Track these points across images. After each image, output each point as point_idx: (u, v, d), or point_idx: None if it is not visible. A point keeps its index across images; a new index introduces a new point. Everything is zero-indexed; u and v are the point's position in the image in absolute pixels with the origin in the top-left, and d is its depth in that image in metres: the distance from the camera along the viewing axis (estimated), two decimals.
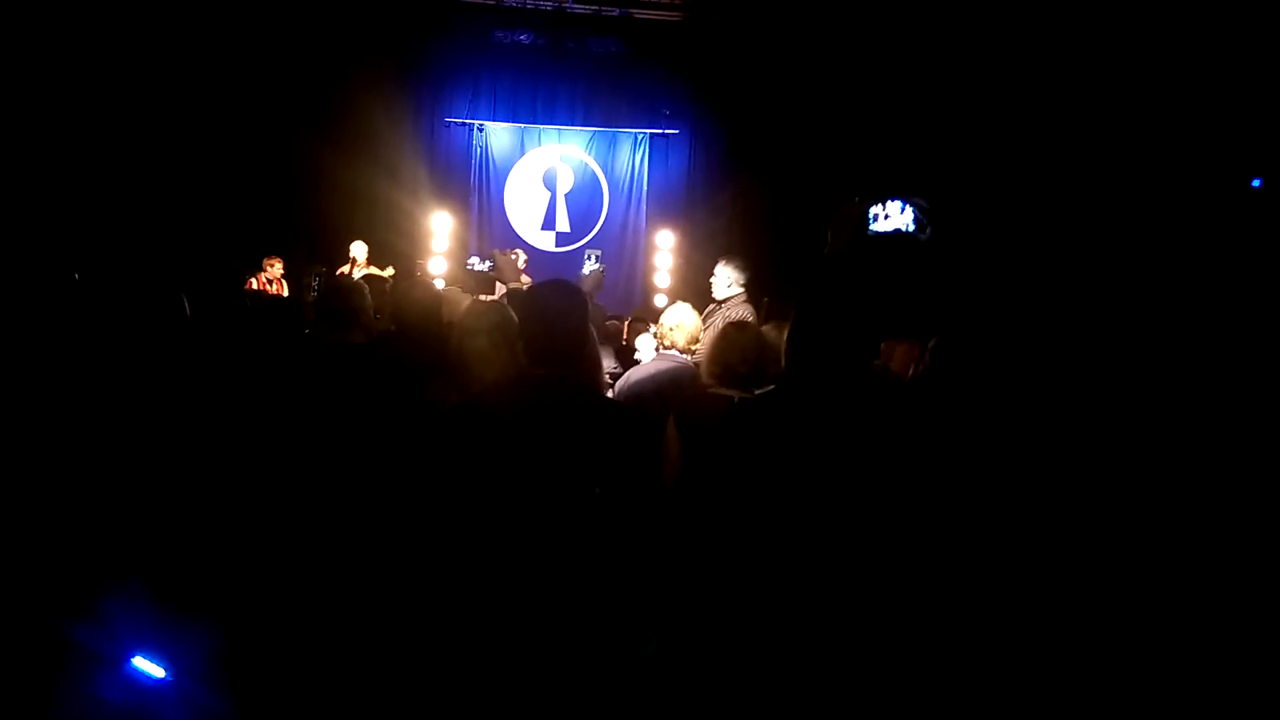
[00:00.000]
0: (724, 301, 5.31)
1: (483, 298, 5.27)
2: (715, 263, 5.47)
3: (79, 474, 1.86)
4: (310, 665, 2.00)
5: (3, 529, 1.85)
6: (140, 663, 1.86)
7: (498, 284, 5.98)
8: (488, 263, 5.27)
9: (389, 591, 2.08)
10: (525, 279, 8.09)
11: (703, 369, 3.54)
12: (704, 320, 4.70)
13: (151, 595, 1.80)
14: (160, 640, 1.85)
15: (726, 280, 5.32)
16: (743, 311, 5.24)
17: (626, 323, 8.13)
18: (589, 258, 6.85)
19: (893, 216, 3.41)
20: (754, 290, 5.63)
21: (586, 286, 2.67)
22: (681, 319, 4.17)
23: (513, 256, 3.99)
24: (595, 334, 3.50)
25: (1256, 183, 6.73)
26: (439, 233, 9.80)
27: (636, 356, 4.76)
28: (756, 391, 3.41)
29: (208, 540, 1.88)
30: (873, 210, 3.73)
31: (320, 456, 2.20)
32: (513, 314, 3.03)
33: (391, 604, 2.06)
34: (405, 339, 3.42)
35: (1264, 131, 6.60)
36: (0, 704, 1.82)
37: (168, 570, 1.83)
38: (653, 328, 4.99)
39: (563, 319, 2.27)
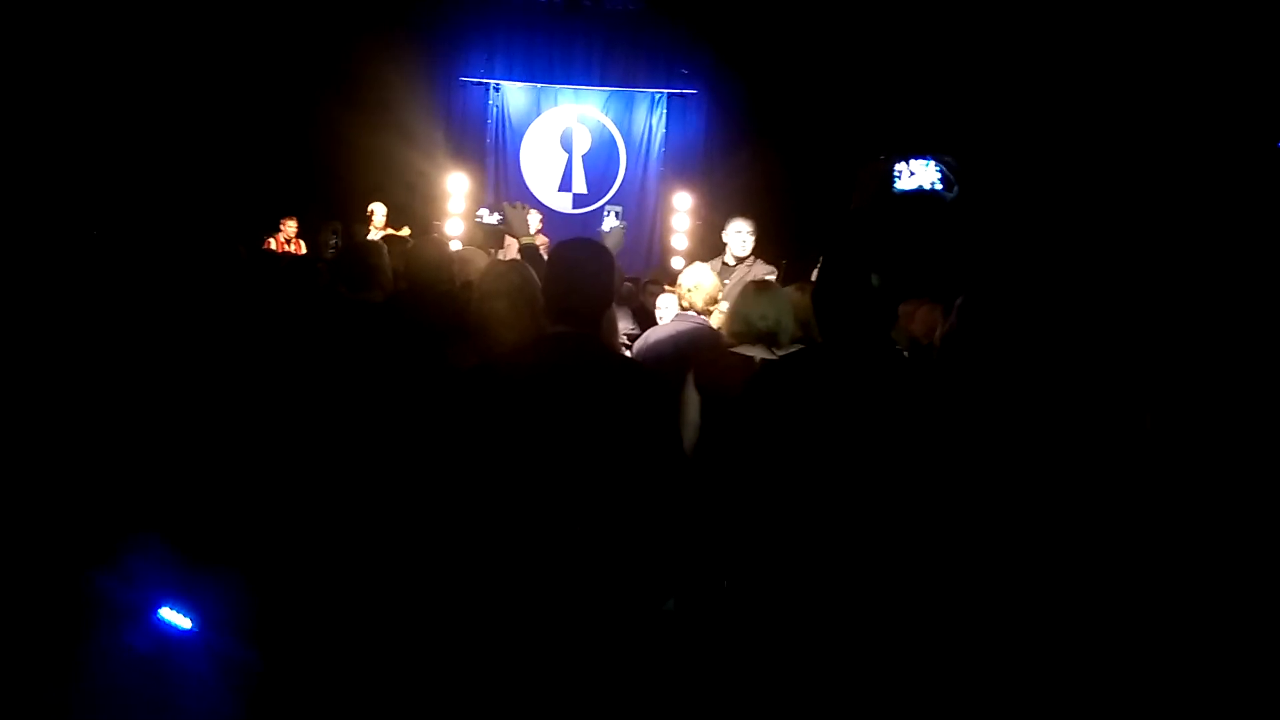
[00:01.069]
0: (743, 259, 5.28)
1: (498, 255, 5.25)
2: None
3: (106, 428, 1.88)
4: (334, 617, 2.02)
5: (31, 483, 1.87)
6: (167, 613, 1.88)
7: (509, 240, 5.95)
8: (496, 215, 5.23)
9: (411, 548, 2.09)
10: (541, 239, 8.07)
11: (724, 327, 3.53)
12: (721, 279, 4.67)
13: (177, 548, 1.82)
14: (186, 592, 1.87)
15: (743, 238, 5.30)
16: (764, 270, 5.21)
17: (644, 284, 8.09)
18: (609, 213, 6.76)
19: (918, 174, 3.35)
20: (772, 251, 5.59)
21: (608, 244, 2.65)
22: (700, 280, 4.14)
23: (522, 209, 3.95)
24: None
25: None
26: (455, 194, 9.73)
27: (659, 316, 4.74)
28: (778, 352, 3.40)
29: (233, 494, 1.89)
30: (897, 168, 3.66)
31: (342, 411, 2.20)
32: (533, 275, 3.01)
33: (414, 561, 2.08)
34: (419, 298, 3.42)
35: None
36: (31, 654, 1.85)
37: (194, 523, 1.85)
38: (669, 290, 4.97)
39: (589, 278, 2.24)
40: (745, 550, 2.37)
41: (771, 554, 2.34)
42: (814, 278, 5.32)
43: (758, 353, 3.32)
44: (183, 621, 1.89)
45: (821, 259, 2.35)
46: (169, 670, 1.86)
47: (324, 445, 2.07)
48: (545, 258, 3.32)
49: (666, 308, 4.79)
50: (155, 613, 1.89)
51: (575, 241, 2.39)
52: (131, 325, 2.12)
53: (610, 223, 6.48)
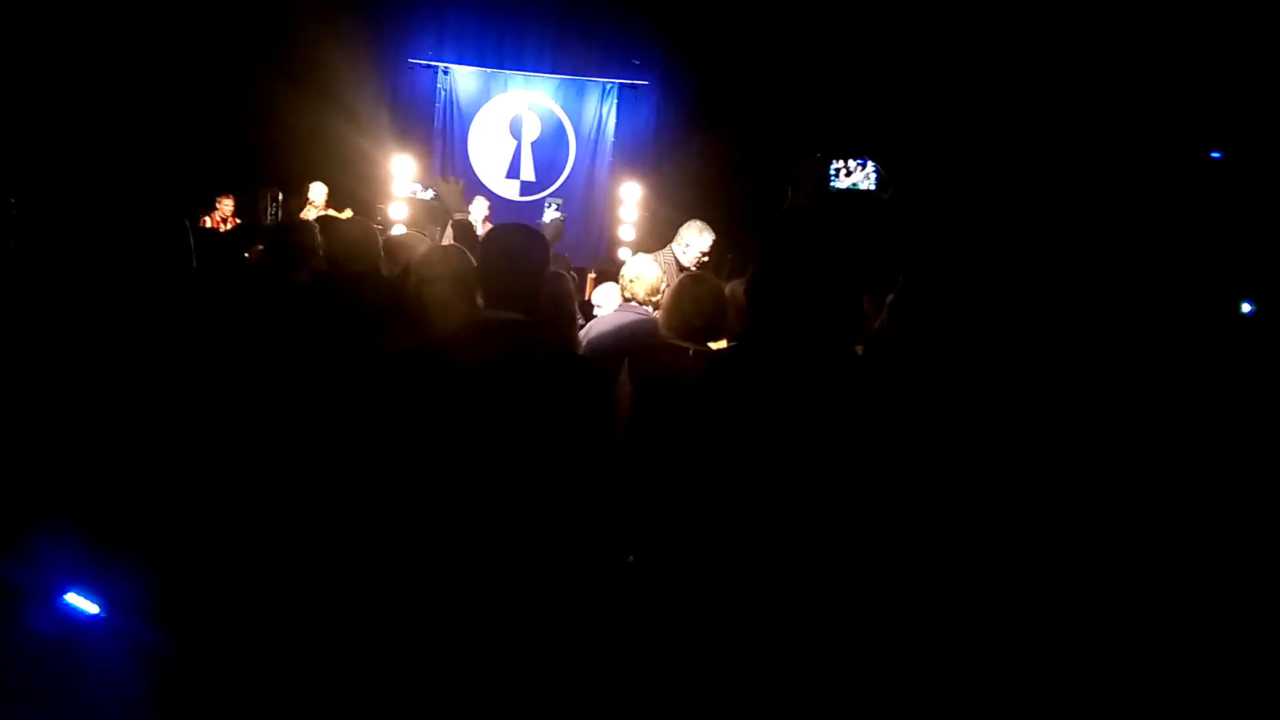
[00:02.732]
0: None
1: (439, 232, 5.17)
2: (681, 216, 5.42)
3: (14, 410, 1.81)
4: (247, 598, 1.98)
5: None
6: (73, 598, 1.82)
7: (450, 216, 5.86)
8: (429, 191, 5.16)
9: (338, 533, 2.06)
10: (488, 226, 7.96)
11: (660, 320, 3.53)
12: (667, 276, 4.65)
13: (84, 531, 1.77)
14: (94, 576, 1.81)
15: (692, 253, 5.21)
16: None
17: (590, 276, 8.07)
18: (549, 205, 6.73)
19: (854, 173, 3.37)
20: (719, 244, 5.60)
21: (546, 235, 2.64)
22: (641, 271, 4.14)
23: (455, 183, 3.91)
24: (570, 287, 3.47)
25: (1216, 155, 6.82)
26: (399, 176, 9.59)
27: (596, 310, 4.70)
28: (711, 345, 3.42)
29: (142, 476, 1.84)
30: (834, 166, 3.68)
31: (263, 393, 2.16)
32: (470, 260, 2.98)
33: (340, 546, 2.05)
34: (340, 279, 3.35)
35: (1224, 104, 6.67)
36: None
37: (101, 505, 1.79)
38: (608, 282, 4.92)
39: (525, 263, 2.23)
40: (673, 543, 2.38)
41: (699, 549, 2.35)
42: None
43: (691, 345, 3.33)
44: (90, 606, 1.83)
45: (758, 253, 2.35)
46: (76, 655, 1.81)
47: (243, 425, 2.02)
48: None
49: (604, 299, 4.75)
50: (61, 597, 1.83)
51: (510, 226, 2.39)
52: (43, 299, 2.04)
53: (550, 214, 6.44)
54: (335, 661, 1.94)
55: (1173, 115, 6.67)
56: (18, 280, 2.22)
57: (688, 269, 5.14)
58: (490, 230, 2.36)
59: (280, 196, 8.21)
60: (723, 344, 3.63)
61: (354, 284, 3.35)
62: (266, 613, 1.99)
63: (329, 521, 2.11)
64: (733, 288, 3.95)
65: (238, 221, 8.47)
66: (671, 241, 5.33)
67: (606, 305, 4.63)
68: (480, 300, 2.50)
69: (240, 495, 1.97)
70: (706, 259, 5.20)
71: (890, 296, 2.55)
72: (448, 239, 6.08)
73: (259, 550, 2.00)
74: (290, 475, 2.11)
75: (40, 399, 1.80)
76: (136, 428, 1.84)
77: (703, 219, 5.32)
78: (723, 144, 9.68)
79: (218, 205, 8.41)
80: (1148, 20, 6.64)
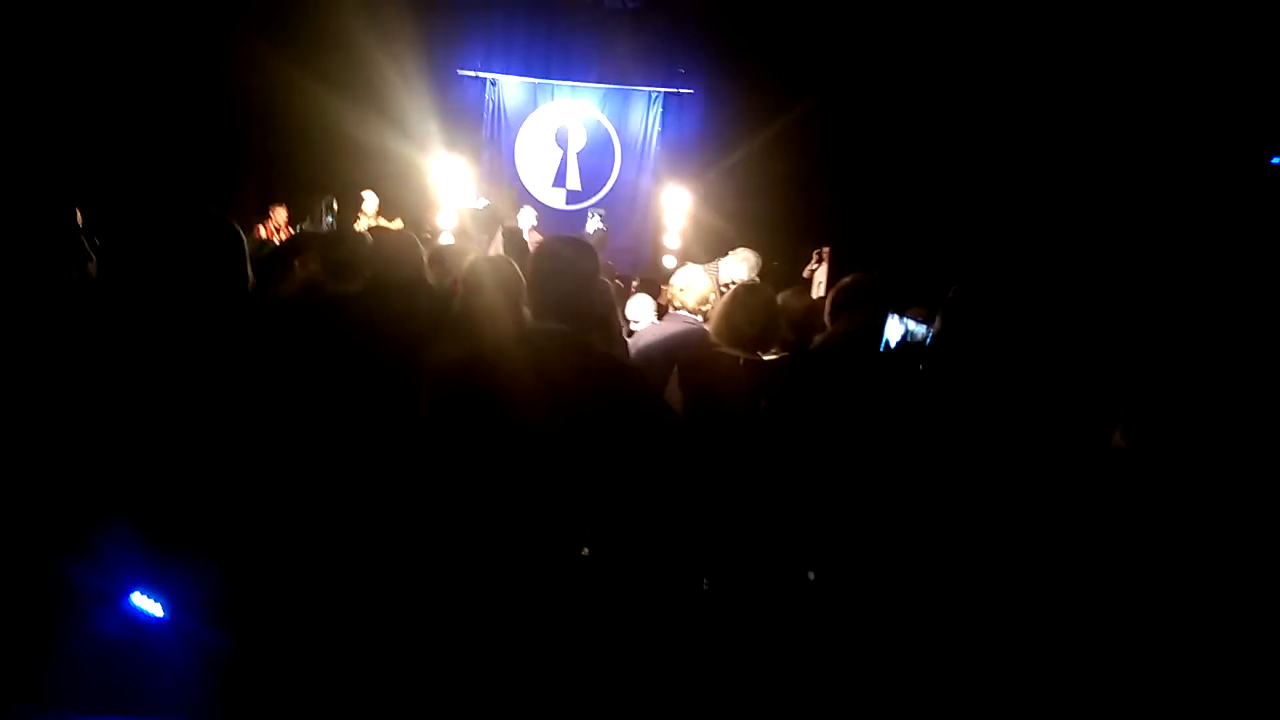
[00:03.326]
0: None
1: (490, 241, 5.23)
2: (725, 225, 5.42)
3: (76, 413, 1.87)
4: (307, 603, 2.03)
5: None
6: (139, 599, 1.88)
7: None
8: (483, 200, 5.25)
9: (389, 540, 2.10)
10: (536, 236, 8.02)
11: (711, 328, 3.54)
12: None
13: (149, 534, 1.82)
14: (158, 578, 1.87)
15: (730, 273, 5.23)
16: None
17: (634, 284, 8.09)
18: (593, 216, 6.75)
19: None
20: (765, 253, 5.58)
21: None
22: (692, 280, 4.16)
23: (509, 192, 4.00)
24: (612, 296, 3.50)
25: (1277, 160, 6.64)
26: (448, 186, 9.71)
27: (632, 325, 4.68)
28: (761, 355, 3.42)
29: (205, 480, 1.89)
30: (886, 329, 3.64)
31: (315, 401, 2.20)
32: (518, 270, 3.02)
33: (391, 552, 2.08)
34: (390, 288, 3.40)
35: None
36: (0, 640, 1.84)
37: (166, 508, 1.84)
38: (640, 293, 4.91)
39: (571, 273, 2.25)
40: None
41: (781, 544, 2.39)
42: (814, 285, 5.32)
43: (742, 354, 3.33)
44: (154, 608, 1.89)
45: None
46: (140, 656, 1.86)
47: (298, 431, 2.07)
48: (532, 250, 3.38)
49: (638, 312, 4.70)
50: (127, 599, 1.89)
51: (560, 239, 2.41)
52: (104, 306, 2.11)
53: (593, 224, 6.46)
54: (396, 664, 1.97)
55: (1232, 121, 6.51)
56: (84, 292, 2.30)
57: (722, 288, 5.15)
58: (540, 243, 2.39)
59: (335, 204, 8.35)
60: (773, 354, 3.63)
61: (402, 294, 3.40)
62: (325, 615, 2.03)
63: (379, 526, 2.14)
64: (784, 298, 3.95)
65: (291, 230, 8.64)
66: (719, 258, 5.34)
67: (641, 318, 4.62)
68: (528, 311, 2.53)
69: (295, 500, 2.02)
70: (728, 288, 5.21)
71: (948, 298, 2.56)
72: (497, 247, 6.15)
73: (316, 553, 2.04)
74: (341, 479, 2.15)
75: (106, 405, 1.86)
76: (197, 434, 1.89)
77: (746, 227, 5.31)
78: (768, 152, 9.65)
79: (271, 214, 8.58)
80: (1207, 25, 6.50)
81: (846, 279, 3.25)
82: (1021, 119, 7.55)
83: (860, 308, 3.05)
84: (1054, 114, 7.35)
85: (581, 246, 2.35)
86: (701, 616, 2.75)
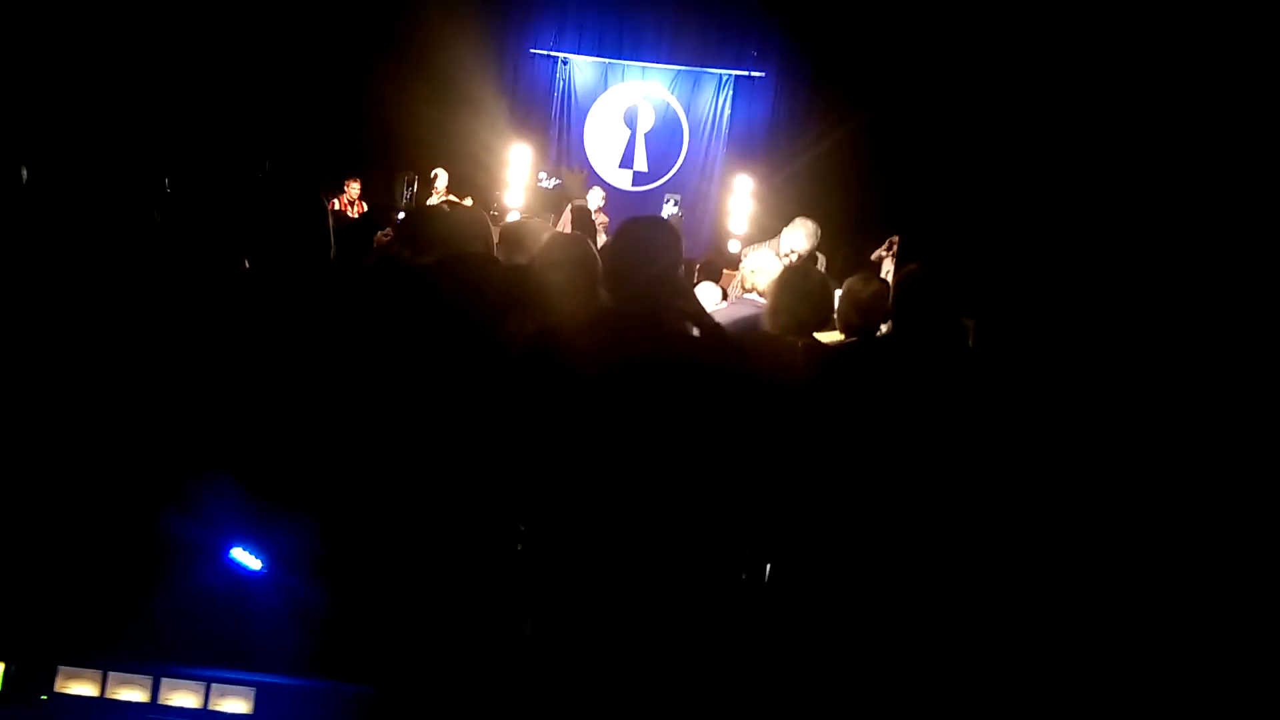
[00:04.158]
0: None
1: (555, 219, 5.29)
2: (793, 210, 5.35)
3: (177, 368, 1.96)
4: (404, 562, 2.10)
5: (103, 422, 1.96)
6: (238, 554, 1.97)
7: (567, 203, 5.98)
8: (554, 180, 5.29)
9: (472, 505, 2.16)
10: (602, 217, 8.06)
11: (767, 316, 3.51)
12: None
13: (249, 488, 1.90)
14: (258, 532, 1.95)
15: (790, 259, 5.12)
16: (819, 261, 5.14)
17: (696, 266, 8.08)
18: (668, 201, 6.74)
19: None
20: (832, 239, 5.51)
21: None
22: (764, 263, 4.13)
23: (579, 173, 4.03)
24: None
25: None
26: (517, 165, 9.81)
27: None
28: (819, 336, 3.40)
29: (304, 437, 1.97)
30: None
31: (404, 369, 2.27)
32: (593, 248, 3.05)
33: (475, 518, 2.14)
34: (462, 261, 3.46)
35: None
36: (103, 592, 1.95)
37: (266, 463, 1.92)
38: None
39: (655, 255, 2.26)
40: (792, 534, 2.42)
41: (816, 538, 2.38)
42: (882, 268, 5.25)
43: (801, 338, 3.31)
44: (254, 562, 1.97)
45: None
46: (240, 610, 1.95)
47: (381, 392, 2.14)
48: (600, 231, 3.44)
49: (702, 299, 4.67)
50: (227, 553, 1.97)
51: (643, 219, 2.41)
52: (204, 271, 2.20)
53: (669, 209, 6.45)
54: (484, 624, 2.03)
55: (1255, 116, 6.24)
56: (180, 253, 2.39)
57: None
58: (622, 224, 2.40)
59: (415, 181, 8.48)
60: (830, 336, 3.61)
61: (476, 266, 3.46)
62: (417, 572, 2.10)
63: (458, 488, 2.20)
64: (850, 283, 3.92)
65: (364, 205, 8.82)
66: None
67: (705, 303, 4.59)
68: (604, 291, 2.55)
69: (383, 459, 2.09)
70: (798, 258, 5.08)
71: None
72: (565, 224, 6.20)
73: (407, 513, 2.11)
74: (422, 440, 2.21)
75: (205, 359, 1.95)
76: (291, 395, 1.97)
77: (816, 215, 5.22)
78: (839, 138, 9.53)
79: (345, 188, 8.76)
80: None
81: (913, 269, 3.21)
82: (1097, 118, 7.34)
83: (927, 303, 3.01)
84: (1113, 113, 7.14)
85: (662, 225, 2.36)
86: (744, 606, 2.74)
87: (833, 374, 2.70)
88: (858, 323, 3.73)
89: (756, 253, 4.23)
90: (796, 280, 3.40)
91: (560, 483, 2.14)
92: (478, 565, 2.18)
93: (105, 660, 1.89)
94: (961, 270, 2.66)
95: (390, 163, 9.41)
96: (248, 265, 2.30)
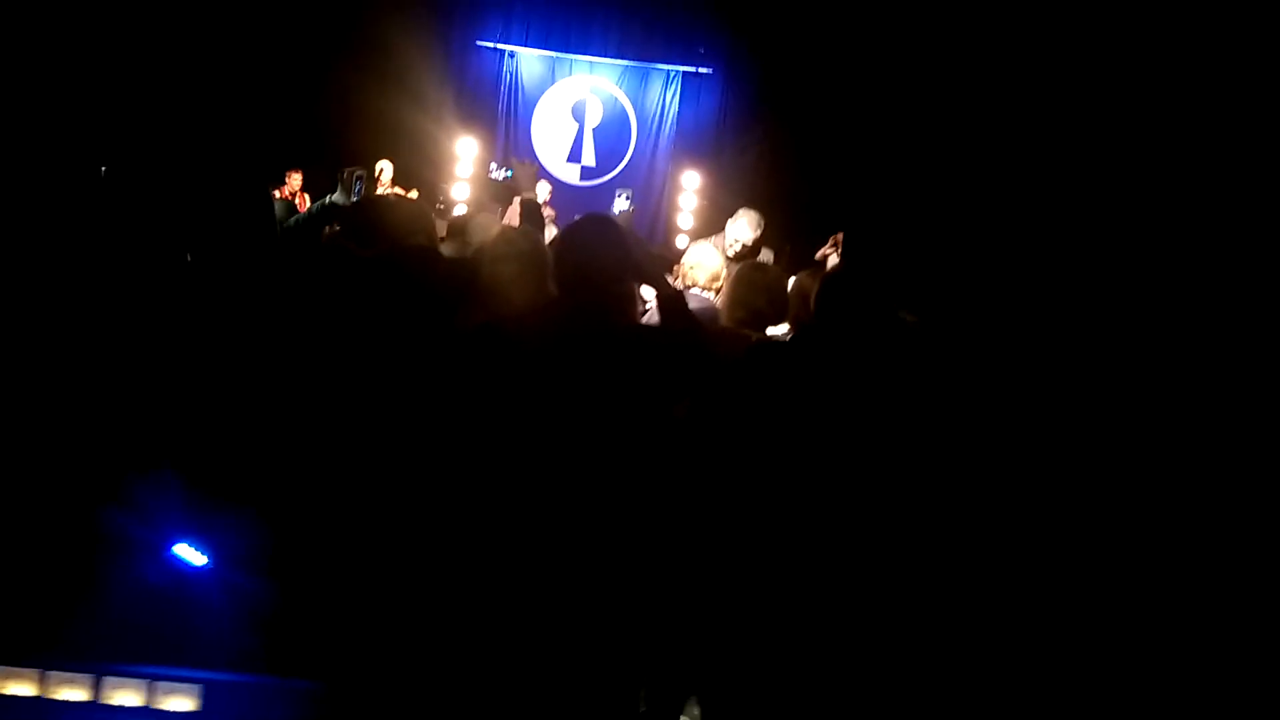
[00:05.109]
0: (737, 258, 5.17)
1: (504, 211, 5.26)
2: (740, 206, 5.36)
3: (116, 363, 1.92)
4: (350, 555, 2.08)
5: (43, 418, 1.91)
6: (181, 549, 1.93)
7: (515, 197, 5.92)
8: (504, 171, 5.25)
9: (419, 498, 2.15)
10: (549, 210, 8.02)
11: (722, 309, 3.55)
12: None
13: (192, 484, 1.87)
14: (201, 528, 1.92)
15: (734, 250, 5.12)
16: (765, 255, 5.19)
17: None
18: (620, 195, 6.73)
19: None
20: (779, 235, 5.56)
21: None
22: (702, 258, 4.17)
23: (529, 166, 4.04)
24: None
25: None
26: (464, 158, 9.73)
27: (648, 305, 4.68)
28: (771, 332, 3.45)
29: (247, 431, 1.94)
30: None
31: (354, 360, 2.25)
32: (543, 241, 3.06)
33: (424, 507, 2.13)
34: (407, 252, 3.43)
35: None
36: (44, 589, 1.90)
37: (209, 458, 1.89)
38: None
39: (603, 251, 2.29)
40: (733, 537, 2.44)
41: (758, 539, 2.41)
42: (827, 265, 5.32)
43: (754, 333, 3.35)
44: (198, 558, 1.94)
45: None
46: (183, 606, 1.92)
47: (336, 389, 2.12)
48: (547, 224, 3.47)
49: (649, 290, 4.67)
50: (169, 549, 1.94)
51: (590, 215, 2.45)
52: (145, 263, 2.15)
53: (620, 205, 6.45)
54: (426, 620, 2.03)
55: (1244, 111, 6.48)
56: (120, 245, 2.33)
57: (729, 259, 5.10)
58: (575, 221, 2.43)
59: (365, 174, 8.30)
60: (783, 330, 3.66)
61: (417, 259, 3.43)
62: (363, 567, 2.09)
63: (406, 480, 2.19)
64: (799, 278, 3.97)
65: (306, 197, 8.66)
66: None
67: (651, 295, 4.59)
68: (554, 284, 2.56)
69: (328, 453, 2.07)
70: (743, 248, 5.12)
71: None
72: (513, 218, 6.16)
73: (353, 506, 2.09)
74: (371, 436, 2.19)
75: (147, 358, 1.91)
76: (237, 387, 1.94)
77: (763, 210, 5.26)
78: (785, 135, 9.63)
79: (286, 179, 8.59)
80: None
81: (835, 269, 3.24)
82: (1050, 111, 7.52)
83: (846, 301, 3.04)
84: (1075, 105, 7.32)
85: (610, 223, 2.39)
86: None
87: (762, 368, 2.72)
88: (805, 319, 3.79)
89: (696, 247, 4.26)
90: (749, 274, 3.44)
91: (508, 474, 2.15)
92: (427, 558, 2.18)
93: (44, 659, 1.84)
94: (900, 266, 2.71)
95: (336, 155, 9.24)
96: (190, 258, 2.26)
